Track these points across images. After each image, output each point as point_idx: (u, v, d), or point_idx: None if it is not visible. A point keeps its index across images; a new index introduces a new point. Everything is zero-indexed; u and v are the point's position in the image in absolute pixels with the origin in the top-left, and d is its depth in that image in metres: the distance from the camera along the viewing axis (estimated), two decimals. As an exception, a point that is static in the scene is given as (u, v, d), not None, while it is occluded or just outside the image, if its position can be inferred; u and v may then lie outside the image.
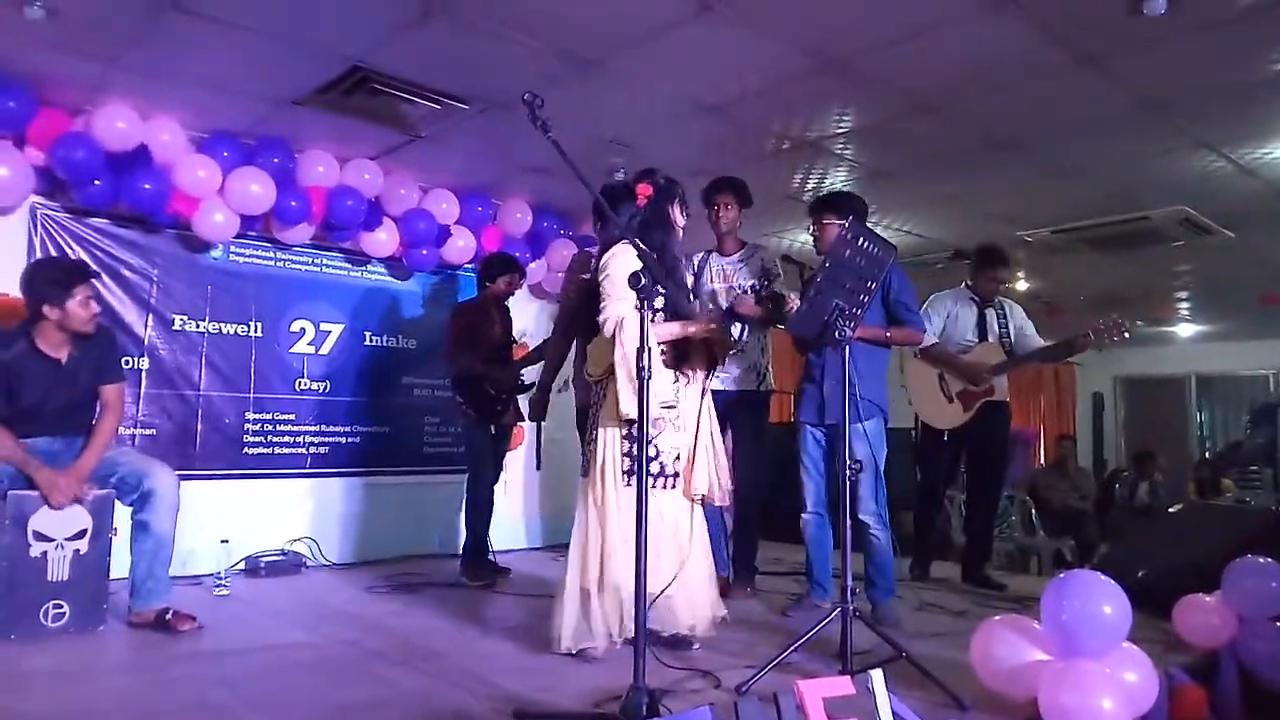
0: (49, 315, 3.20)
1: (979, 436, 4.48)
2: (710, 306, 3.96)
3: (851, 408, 2.85)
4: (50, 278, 3.26)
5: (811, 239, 3.80)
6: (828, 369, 3.58)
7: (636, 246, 2.68)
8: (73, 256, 4.26)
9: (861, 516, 3.51)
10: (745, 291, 3.79)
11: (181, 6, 3.18)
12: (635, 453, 2.88)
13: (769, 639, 3.23)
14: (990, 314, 4.56)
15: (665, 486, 3.03)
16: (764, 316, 3.50)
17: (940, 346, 4.46)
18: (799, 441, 3.71)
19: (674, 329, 3.01)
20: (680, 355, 3.06)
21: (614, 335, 2.87)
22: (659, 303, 2.99)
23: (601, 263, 3.05)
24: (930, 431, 4.62)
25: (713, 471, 3.09)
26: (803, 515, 3.71)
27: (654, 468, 2.97)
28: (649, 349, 2.31)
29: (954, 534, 7.41)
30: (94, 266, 4.12)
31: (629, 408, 2.78)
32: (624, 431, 2.95)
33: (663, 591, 2.79)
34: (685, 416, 3.07)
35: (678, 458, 3.05)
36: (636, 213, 3.12)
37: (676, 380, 3.06)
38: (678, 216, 3.14)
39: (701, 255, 4.20)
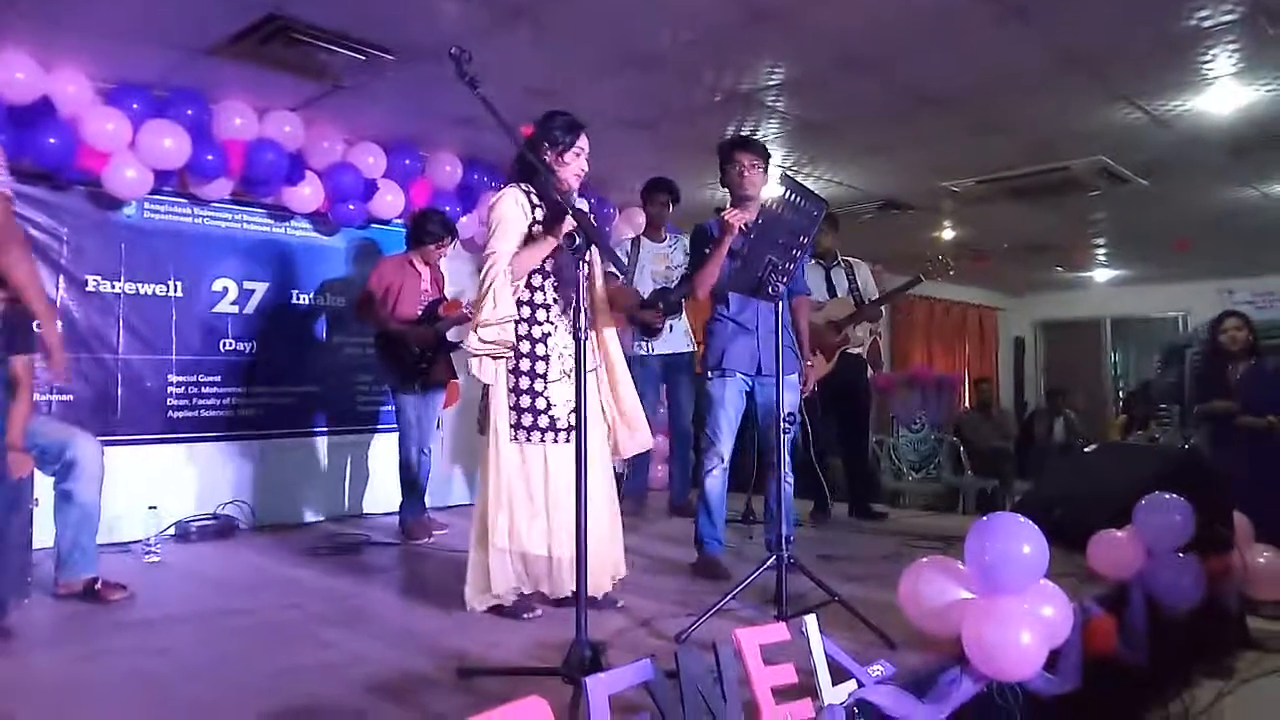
0: None
1: (840, 385, 4.87)
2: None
3: (788, 359, 2.92)
4: None
5: (734, 178, 3.54)
6: (761, 320, 3.52)
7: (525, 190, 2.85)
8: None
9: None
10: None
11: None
12: (519, 405, 2.90)
13: (706, 585, 3.30)
14: (837, 274, 4.98)
15: (558, 441, 2.90)
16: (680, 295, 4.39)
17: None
18: (719, 390, 3.53)
19: (532, 252, 2.84)
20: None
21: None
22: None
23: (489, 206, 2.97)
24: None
25: (620, 427, 3.05)
26: (714, 470, 3.55)
27: (543, 421, 2.89)
28: (583, 308, 2.28)
29: (882, 477, 7.67)
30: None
31: (485, 334, 2.76)
32: (510, 384, 2.91)
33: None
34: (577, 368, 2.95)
35: (572, 411, 2.85)
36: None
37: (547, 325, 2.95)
38: (551, 157, 2.91)
39: (632, 239, 5.04)
